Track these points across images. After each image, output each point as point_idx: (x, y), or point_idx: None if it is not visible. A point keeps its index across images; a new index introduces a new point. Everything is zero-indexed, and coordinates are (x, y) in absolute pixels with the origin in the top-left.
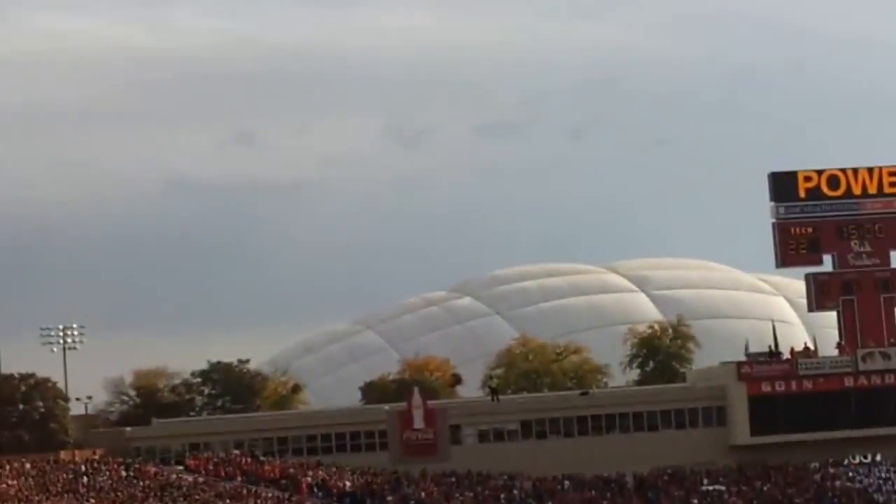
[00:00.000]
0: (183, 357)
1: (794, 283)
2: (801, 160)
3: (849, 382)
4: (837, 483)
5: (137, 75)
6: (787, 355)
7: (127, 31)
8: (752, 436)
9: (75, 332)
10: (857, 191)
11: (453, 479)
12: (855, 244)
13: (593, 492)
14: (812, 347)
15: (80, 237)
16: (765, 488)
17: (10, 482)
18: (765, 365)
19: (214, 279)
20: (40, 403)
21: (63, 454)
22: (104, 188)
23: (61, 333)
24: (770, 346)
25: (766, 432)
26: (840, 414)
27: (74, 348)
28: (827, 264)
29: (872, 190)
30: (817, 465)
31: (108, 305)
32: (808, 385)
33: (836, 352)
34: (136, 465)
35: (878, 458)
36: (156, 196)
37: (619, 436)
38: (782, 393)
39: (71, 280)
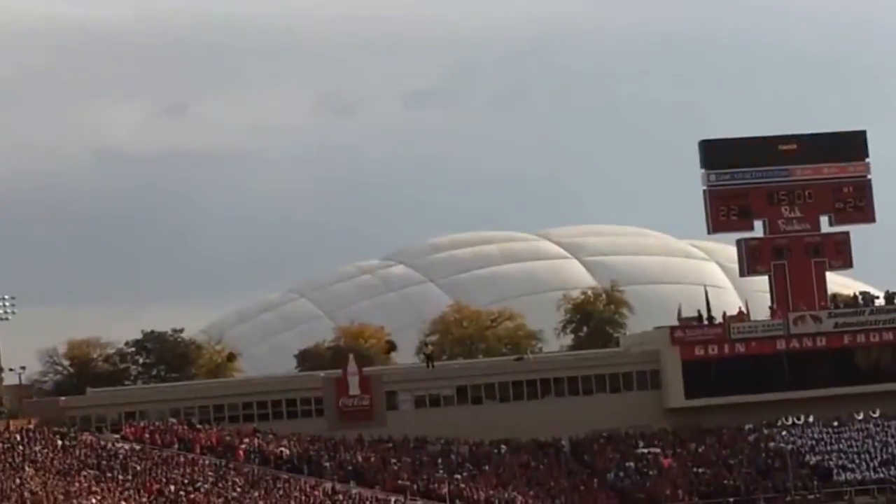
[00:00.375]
0: (116, 327)
1: (726, 248)
2: (731, 127)
3: (781, 345)
4: (771, 444)
5: (66, 47)
6: (719, 319)
7: (53, 2)
8: (686, 399)
9: (7, 303)
10: (786, 157)
11: (390, 445)
12: (785, 210)
13: (529, 456)
14: (744, 312)
15: (10, 208)
16: (699, 450)
17: None
18: (698, 329)
19: (147, 249)
20: None
21: None
22: (34, 160)
23: None
24: (699, 311)
25: (700, 395)
26: (773, 377)
27: (6, 319)
28: (758, 230)
29: (802, 156)
30: (751, 426)
31: (40, 276)
32: (740, 348)
33: (768, 316)
34: (72, 435)
35: (811, 419)
36: (86, 167)
37: (554, 400)
38: (715, 356)
39: (1, 251)
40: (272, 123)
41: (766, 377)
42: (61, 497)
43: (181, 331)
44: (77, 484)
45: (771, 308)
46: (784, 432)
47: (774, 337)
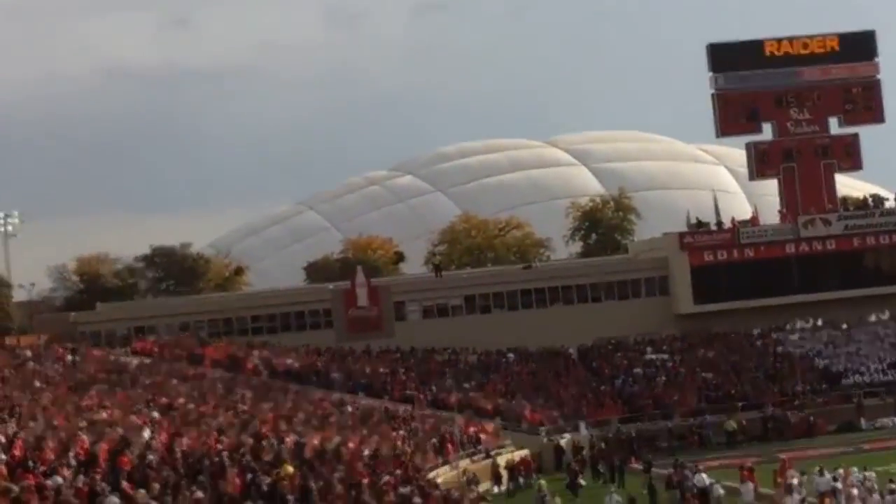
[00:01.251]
0: (125, 242)
1: (734, 152)
2: (739, 30)
3: (790, 249)
4: (780, 349)
5: None
6: (728, 224)
7: None
8: (695, 304)
9: (15, 219)
10: (795, 59)
11: (398, 355)
12: (794, 112)
13: (538, 364)
14: (753, 216)
15: (19, 125)
16: (709, 356)
17: None
18: (706, 234)
19: (155, 164)
20: None
21: (8, 340)
22: (40, 75)
23: (1, 220)
24: (697, 218)
25: (709, 301)
26: (782, 281)
27: (15, 235)
28: (766, 133)
29: (810, 58)
30: (760, 331)
31: (49, 192)
32: (749, 253)
33: (777, 219)
34: (83, 350)
35: (820, 323)
36: (93, 83)
37: (562, 308)
38: (724, 261)
39: (10, 167)
40: (279, 38)
41: (775, 281)
42: (73, 412)
43: (189, 245)
44: (88, 399)
45: (780, 212)
46: (793, 336)
47: (784, 241)
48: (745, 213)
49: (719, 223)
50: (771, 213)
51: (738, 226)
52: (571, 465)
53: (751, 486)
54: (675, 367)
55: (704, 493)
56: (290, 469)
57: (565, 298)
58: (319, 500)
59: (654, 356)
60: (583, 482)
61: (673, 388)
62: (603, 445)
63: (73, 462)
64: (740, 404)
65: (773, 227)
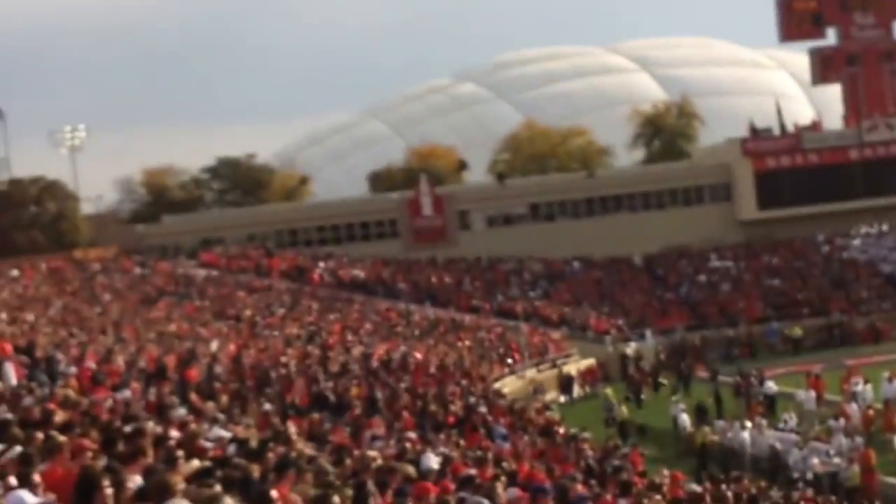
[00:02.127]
0: (190, 154)
1: (798, 57)
2: None
3: (854, 154)
4: (844, 254)
5: None
6: (791, 130)
7: None
8: (758, 211)
9: (82, 133)
10: None
11: (464, 265)
12: (858, 16)
13: (602, 272)
14: (817, 121)
15: (85, 38)
16: (773, 262)
17: (26, 282)
18: (769, 140)
19: (218, 74)
20: (51, 205)
21: (76, 253)
22: None
23: (68, 135)
24: (752, 124)
25: (773, 207)
26: (846, 186)
27: (82, 149)
28: (830, 37)
29: None
30: (824, 237)
31: (114, 105)
32: (813, 158)
33: (840, 125)
34: (150, 262)
35: (885, 228)
36: None
37: (626, 216)
38: (788, 167)
39: (76, 81)
40: None
41: (838, 187)
42: (141, 325)
43: (254, 155)
44: (156, 311)
45: (844, 117)
46: (857, 242)
47: (847, 146)
48: (808, 118)
49: (782, 129)
50: (834, 118)
51: (801, 131)
52: (635, 375)
53: (813, 394)
54: (740, 273)
55: (771, 400)
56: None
57: (629, 206)
58: (385, 410)
59: (718, 263)
60: (648, 390)
61: (738, 295)
62: (662, 357)
63: (142, 375)
64: (805, 311)
65: (837, 132)
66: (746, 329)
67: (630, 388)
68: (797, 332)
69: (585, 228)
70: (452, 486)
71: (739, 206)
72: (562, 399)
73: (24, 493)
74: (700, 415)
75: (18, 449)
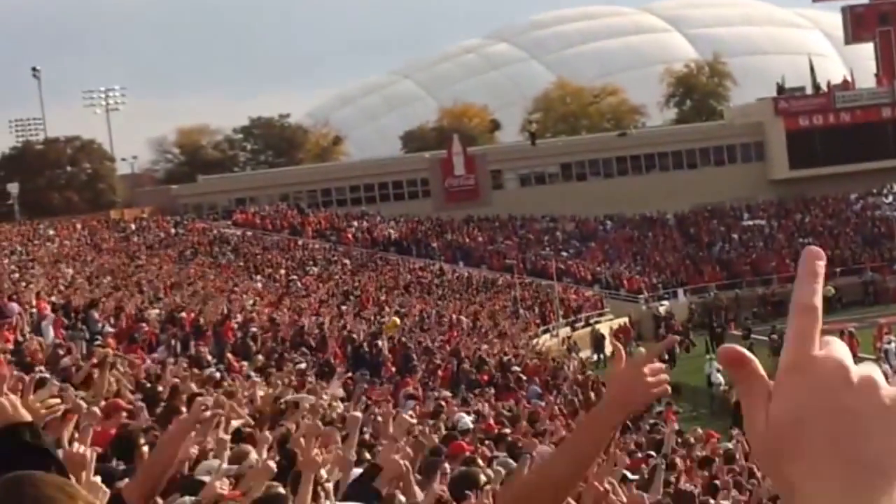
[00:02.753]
0: (224, 114)
1: (831, 16)
2: None
3: (886, 113)
4: (877, 213)
5: None
6: (824, 89)
7: None
8: (790, 170)
9: (117, 94)
10: None
11: (496, 224)
12: None
13: (635, 231)
14: (849, 80)
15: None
16: (805, 221)
17: (63, 242)
18: (802, 99)
19: (250, 35)
20: (87, 165)
21: (112, 213)
22: None
23: (103, 95)
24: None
25: (805, 166)
26: (878, 145)
27: (117, 109)
28: None
29: None
30: (857, 195)
31: (148, 67)
32: (845, 117)
33: (873, 84)
34: (185, 222)
35: None
36: None
37: (658, 175)
38: (820, 126)
39: (112, 43)
40: None
41: (871, 145)
42: (177, 284)
43: (287, 116)
44: (191, 270)
45: (876, 75)
46: (890, 200)
47: (880, 105)
48: (840, 77)
49: (816, 87)
50: (867, 77)
51: (833, 90)
52: (667, 334)
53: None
54: (772, 232)
55: None
56: (397, 320)
57: (661, 165)
58: (420, 369)
59: (750, 222)
60: (681, 349)
61: (770, 253)
62: (695, 316)
63: (178, 334)
64: (838, 269)
65: (869, 90)
66: (779, 287)
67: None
68: (830, 290)
69: (618, 187)
70: (486, 445)
71: (771, 165)
72: (595, 357)
73: None
74: None
75: (62, 407)
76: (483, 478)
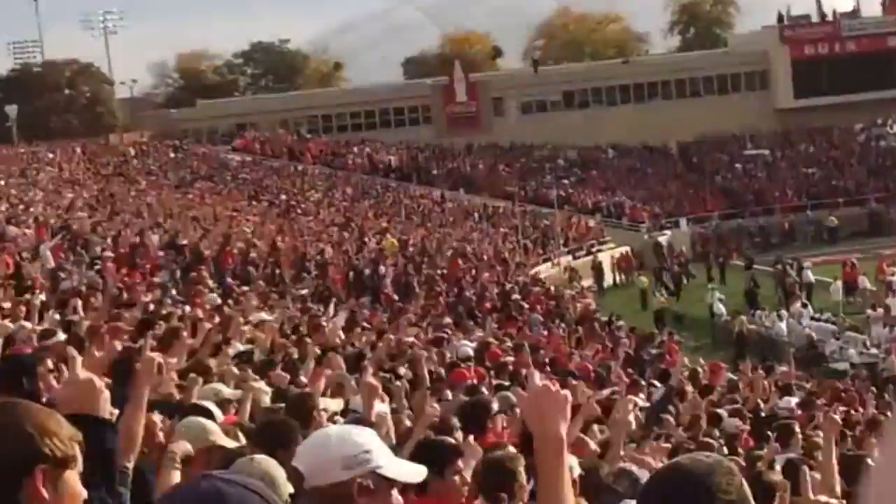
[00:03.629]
0: (223, 39)
1: None
2: None
3: (893, 42)
4: (882, 143)
5: None
6: (830, 17)
7: None
8: (795, 99)
9: (115, 17)
10: None
11: (498, 151)
12: None
13: (637, 160)
14: (856, 8)
15: None
16: (809, 150)
17: (62, 165)
18: (807, 27)
19: None
20: (86, 88)
21: (111, 137)
22: None
23: (101, 18)
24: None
25: (810, 95)
26: (884, 75)
27: (115, 33)
28: None
29: None
30: (862, 126)
31: None
32: (851, 46)
33: (880, 12)
34: (185, 147)
35: None
36: None
37: (661, 103)
38: (826, 55)
39: None
40: None
41: (877, 75)
42: (175, 208)
43: (287, 41)
44: (191, 195)
45: (883, 4)
46: (894, 130)
47: (886, 34)
48: (847, 5)
49: (822, 16)
50: (874, 5)
51: (839, 18)
52: (670, 265)
53: (839, 284)
54: (776, 162)
55: (809, 289)
56: (395, 242)
57: (664, 93)
58: (420, 296)
59: (754, 151)
60: (683, 280)
61: (774, 183)
62: (697, 247)
63: (178, 259)
64: (841, 200)
65: (876, 19)
66: (782, 217)
67: (664, 275)
68: (833, 220)
69: (620, 116)
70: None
71: (776, 94)
72: (596, 286)
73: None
74: (751, 300)
75: (62, 336)
76: (495, 406)
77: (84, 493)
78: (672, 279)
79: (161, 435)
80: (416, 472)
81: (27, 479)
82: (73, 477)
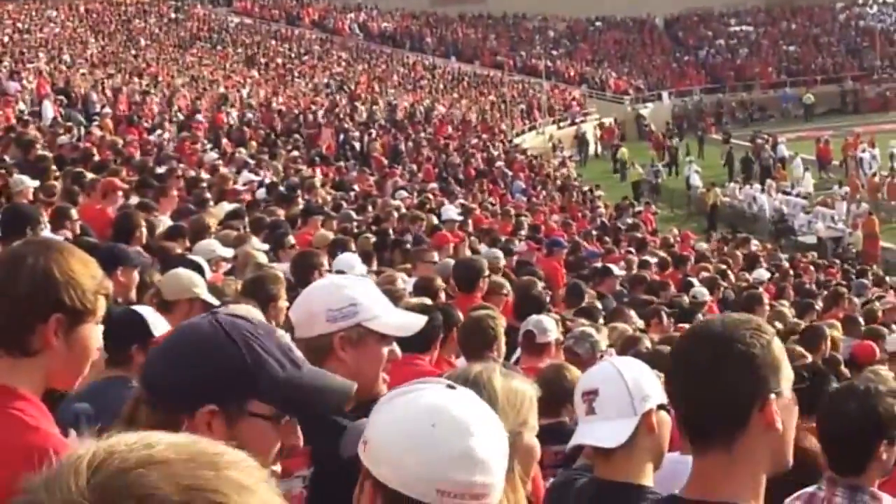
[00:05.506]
0: None
1: None
2: None
3: None
4: (861, 23)
5: None
6: None
7: None
8: None
9: None
10: None
11: (490, 21)
12: None
13: (623, 33)
14: None
15: None
16: (791, 28)
17: (63, 23)
18: None
19: None
20: None
21: None
22: None
23: None
24: None
25: None
26: None
27: None
28: None
29: None
30: (843, 4)
31: None
32: None
33: None
34: (185, 8)
35: None
36: None
37: None
38: None
39: None
40: None
41: None
42: (175, 69)
43: None
44: (190, 56)
45: None
46: (875, 10)
47: None
48: None
49: None
50: None
51: None
52: (656, 135)
53: (800, 158)
54: (758, 39)
55: (782, 163)
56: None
57: None
58: (408, 161)
59: (738, 28)
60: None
61: (754, 60)
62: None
63: (176, 117)
64: (819, 78)
65: None
66: (761, 94)
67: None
68: (810, 98)
69: None
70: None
71: None
72: (579, 157)
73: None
74: (729, 174)
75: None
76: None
77: (96, 351)
78: (656, 148)
79: (134, 291)
80: (407, 325)
81: (42, 324)
82: (88, 330)
